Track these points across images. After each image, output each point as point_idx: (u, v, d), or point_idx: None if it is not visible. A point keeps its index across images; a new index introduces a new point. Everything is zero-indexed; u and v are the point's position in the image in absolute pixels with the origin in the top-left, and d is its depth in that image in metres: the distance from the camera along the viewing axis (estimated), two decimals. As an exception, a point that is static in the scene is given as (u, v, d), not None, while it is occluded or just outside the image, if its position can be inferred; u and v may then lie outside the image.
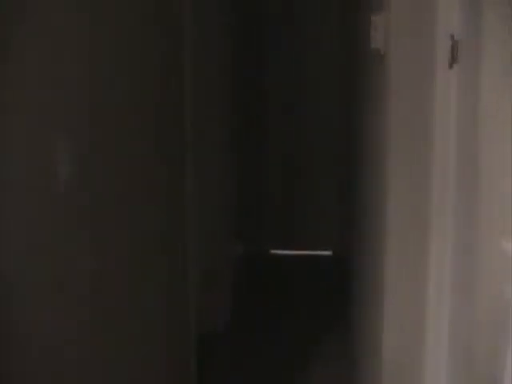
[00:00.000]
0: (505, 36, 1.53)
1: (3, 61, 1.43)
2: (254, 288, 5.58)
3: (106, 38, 2.12)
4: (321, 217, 6.55)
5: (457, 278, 1.85)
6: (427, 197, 1.89)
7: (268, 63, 6.36)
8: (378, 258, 2.11)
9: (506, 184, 1.60)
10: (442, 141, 1.80)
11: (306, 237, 6.55)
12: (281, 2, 6.28)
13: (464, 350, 1.84)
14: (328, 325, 4.69)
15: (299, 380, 3.86)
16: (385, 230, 1.95)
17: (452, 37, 1.72)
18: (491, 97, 1.64)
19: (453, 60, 1.71)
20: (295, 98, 6.42)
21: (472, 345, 1.79)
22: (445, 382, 1.86)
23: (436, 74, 1.77)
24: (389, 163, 1.91)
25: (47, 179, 1.66)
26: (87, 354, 1.96)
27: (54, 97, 1.69)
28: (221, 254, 4.62)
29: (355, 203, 4.00)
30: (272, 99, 6.42)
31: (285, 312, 4.99)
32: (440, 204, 1.85)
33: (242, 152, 5.69)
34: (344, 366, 3.94)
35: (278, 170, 6.55)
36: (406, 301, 1.94)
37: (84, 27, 1.92)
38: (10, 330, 1.46)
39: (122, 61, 2.29)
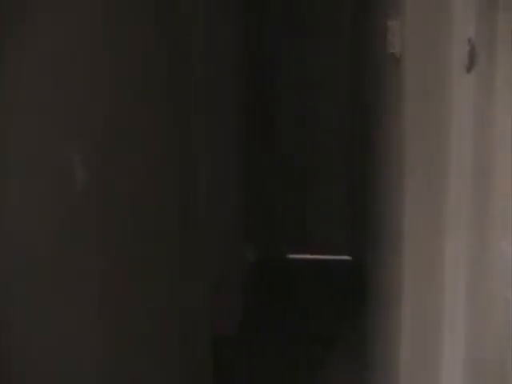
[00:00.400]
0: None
1: (16, 60, 1.43)
2: (269, 291, 5.56)
3: (115, 37, 2.12)
4: (338, 221, 6.51)
5: (473, 279, 1.85)
6: (444, 200, 1.89)
7: (278, 63, 6.33)
8: (396, 260, 2.10)
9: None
10: (458, 144, 1.80)
11: (323, 241, 6.50)
12: (292, 2, 6.28)
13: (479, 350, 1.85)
14: (343, 329, 4.65)
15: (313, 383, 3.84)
16: (402, 232, 1.95)
17: (469, 40, 1.73)
18: (508, 99, 1.64)
19: (471, 64, 1.71)
20: (307, 102, 6.43)
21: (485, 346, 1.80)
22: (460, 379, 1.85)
23: (453, 79, 1.77)
24: (405, 166, 1.91)
25: (60, 180, 1.67)
26: (100, 356, 1.96)
27: (62, 96, 1.69)
28: (235, 257, 4.61)
29: (370, 206, 3.98)
30: (284, 101, 6.41)
31: (300, 316, 4.97)
32: (457, 204, 1.85)
33: (256, 155, 5.68)
34: (356, 371, 3.92)
35: (294, 173, 6.53)
36: (423, 302, 1.94)
37: (96, 26, 1.93)
38: (15, 331, 1.45)
39: (131, 61, 2.31)
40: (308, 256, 6.44)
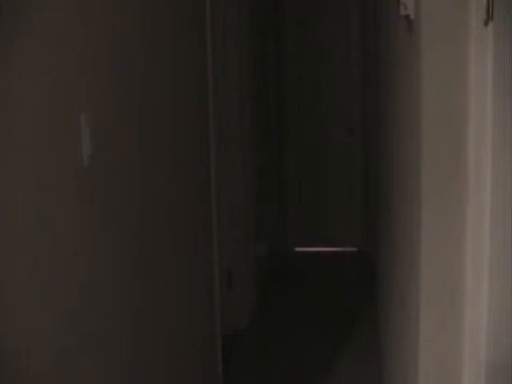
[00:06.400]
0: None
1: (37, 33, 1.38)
2: (279, 285, 5.53)
3: (134, 29, 2.13)
4: (345, 213, 6.50)
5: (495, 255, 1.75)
6: (464, 169, 1.80)
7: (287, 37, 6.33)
8: (413, 249, 2.02)
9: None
10: (478, 103, 1.72)
11: (330, 234, 6.51)
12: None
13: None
14: (354, 321, 4.60)
15: (324, 378, 3.77)
16: (420, 218, 1.86)
17: (487, -8, 1.64)
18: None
19: (488, 17, 1.63)
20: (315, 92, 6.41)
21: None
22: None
23: (470, 33, 1.69)
24: (423, 132, 1.83)
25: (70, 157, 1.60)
26: (115, 351, 1.92)
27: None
28: (245, 252, 4.58)
29: (382, 193, 3.91)
30: (290, 96, 6.41)
31: (309, 309, 4.93)
32: (477, 173, 1.76)
33: (267, 151, 5.65)
34: (370, 363, 3.85)
35: (302, 168, 6.52)
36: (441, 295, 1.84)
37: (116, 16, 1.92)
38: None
39: (148, 47, 2.28)
40: (314, 249, 6.50)
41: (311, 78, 6.39)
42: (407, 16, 1.99)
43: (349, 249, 6.48)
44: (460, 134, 1.78)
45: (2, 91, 1.30)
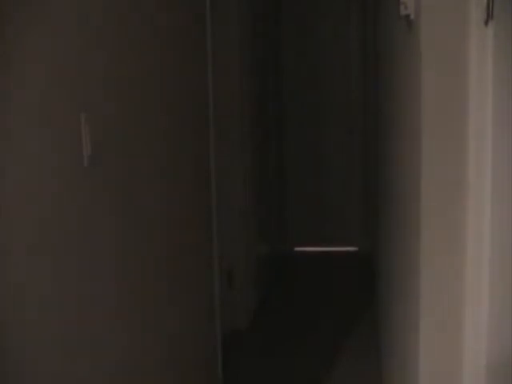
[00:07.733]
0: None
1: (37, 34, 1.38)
2: (278, 285, 5.53)
3: (133, 24, 2.12)
4: (345, 213, 6.50)
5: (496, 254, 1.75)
6: (464, 169, 1.80)
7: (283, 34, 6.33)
8: (413, 247, 2.02)
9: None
10: (478, 103, 1.71)
11: (330, 234, 6.50)
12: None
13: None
14: (354, 320, 4.60)
15: (324, 378, 3.77)
16: (419, 215, 1.85)
17: (487, -8, 1.64)
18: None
19: (488, 16, 1.63)
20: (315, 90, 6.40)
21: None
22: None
23: (470, 33, 1.69)
24: (423, 132, 1.82)
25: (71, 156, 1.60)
26: (115, 351, 1.92)
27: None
28: (245, 252, 4.58)
29: (380, 197, 3.92)
30: (289, 92, 6.41)
31: (309, 308, 4.93)
32: (478, 173, 1.76)
33: (267, 151, 5.64)
34: (370, 363, 3.85)
35: (302, 168, 6.51)
36: (441, 294, 1.83)
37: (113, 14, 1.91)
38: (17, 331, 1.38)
39: (148, 47, 2.28)
40: (314, 249, 6.49)
41: (311, 78, 6.39)
42: (407, 16, 1.99)
43: (349, 249, 6.48)
44: (460, 134, 1.78)
45: (3, 91, 1.30)
